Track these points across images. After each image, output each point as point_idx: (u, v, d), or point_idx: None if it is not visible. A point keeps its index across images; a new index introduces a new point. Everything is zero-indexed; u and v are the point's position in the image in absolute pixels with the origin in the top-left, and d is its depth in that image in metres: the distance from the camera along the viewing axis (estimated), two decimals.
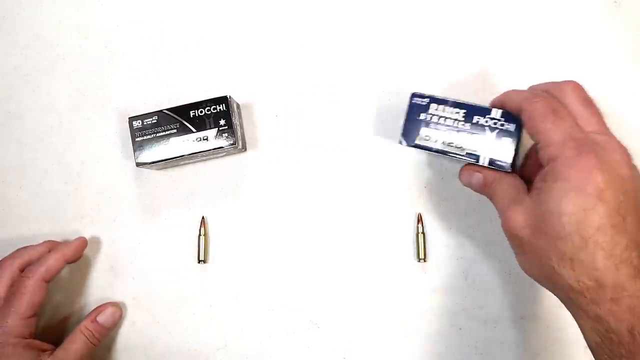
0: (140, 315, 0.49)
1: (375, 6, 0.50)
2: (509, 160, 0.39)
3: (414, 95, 0.41)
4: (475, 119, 0.39)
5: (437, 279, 0.48)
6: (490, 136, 0.39)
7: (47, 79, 0.52)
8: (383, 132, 0.49)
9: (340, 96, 0.49)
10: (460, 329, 0.47)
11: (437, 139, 0.40)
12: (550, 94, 0.36)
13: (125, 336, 0.49)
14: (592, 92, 0.38)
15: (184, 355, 0.49)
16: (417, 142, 0.41)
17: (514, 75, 0.48)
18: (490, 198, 0.40)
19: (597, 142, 0.34)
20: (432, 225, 0.48)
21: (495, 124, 0.39)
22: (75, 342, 0.45)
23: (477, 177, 0.40)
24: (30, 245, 0.47)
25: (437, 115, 0.40)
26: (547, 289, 0.37)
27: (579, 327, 0.34)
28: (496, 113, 0.39)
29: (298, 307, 0.48)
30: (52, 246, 0.47)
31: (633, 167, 0.34)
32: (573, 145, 0.33)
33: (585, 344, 0.34)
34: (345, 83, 0.49)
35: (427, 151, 0.41)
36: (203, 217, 0.49)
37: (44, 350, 0.44)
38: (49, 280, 0.45)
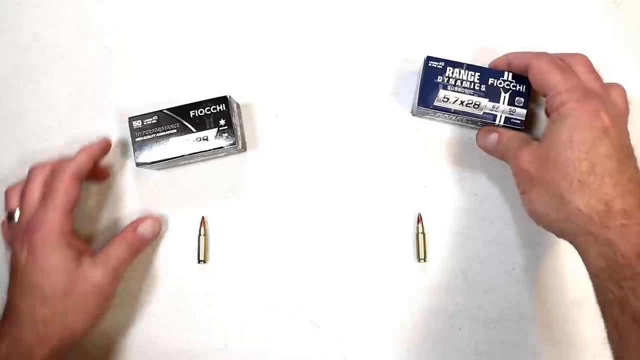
0: (140, 315, 0.49)
1: (374, 6, 0.50)
2: (522, 117, 0.42)
3: (429, 58, 0.43)
4: (491, 81, 0.43)
5: (437, 279, 0.48)
6: (504, 97, 0.42)
7: (46, 79, 0.52)
8: (383, 132, 0.49)
9: (340, 96, 0.49)
10: (460, 329, 0.47)
11: (456, 100, 0.43)
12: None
13: (126, 336, 0.49)
14: None
15: (184, 355, 0.49)
16: (436, 103, 0.43)
17: None
18: (502, 153, 0.42)
19: (601, 92, 0.38)
20: (432, 225, 0.48)
21: (508, 85, 0.43)
22: (117, 247, 0.44)
23: (493, 136, 0.43)
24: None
25: (453, 77, 0.43)
26: (553, 229, 0.39)
27: (584, 260, 0.37)
28: (507, 75, 0.43)
29: (298, 307, 0.48)
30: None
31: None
32: (581, 92, 0.37)
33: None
34: (345, 83, 0.49)
35: (443, 113, 0.43)
36: (203, 217, 0.49)
37: (82, 252, 0.43)
38: (80, 179, 0.44)
